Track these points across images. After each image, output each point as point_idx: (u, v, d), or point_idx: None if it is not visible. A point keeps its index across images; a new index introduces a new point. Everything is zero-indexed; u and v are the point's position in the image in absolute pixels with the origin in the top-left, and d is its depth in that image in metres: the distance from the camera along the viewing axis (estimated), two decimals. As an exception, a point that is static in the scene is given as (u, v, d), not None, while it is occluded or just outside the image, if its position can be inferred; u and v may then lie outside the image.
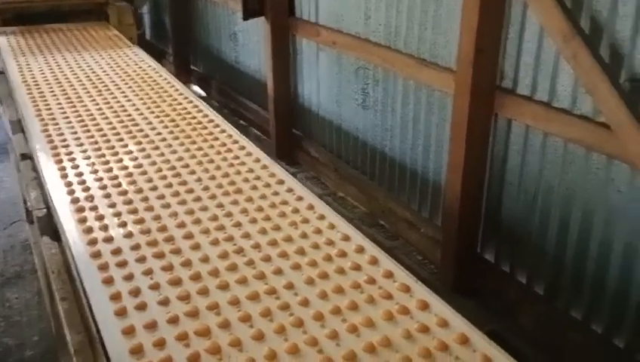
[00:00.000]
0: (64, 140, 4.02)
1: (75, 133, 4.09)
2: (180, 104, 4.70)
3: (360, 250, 2.88)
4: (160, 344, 2.24)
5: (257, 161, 3.85)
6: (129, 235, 2.93)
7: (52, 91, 4.85)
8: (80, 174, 3.56)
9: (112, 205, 3.21)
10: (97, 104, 4.61)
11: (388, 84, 4.44)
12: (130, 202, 3.24)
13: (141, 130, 4.15)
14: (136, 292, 2.52)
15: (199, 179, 3.57)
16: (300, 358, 2.19)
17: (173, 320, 2.37)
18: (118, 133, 4.13)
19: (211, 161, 3.81)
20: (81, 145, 3.92)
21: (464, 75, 3.40)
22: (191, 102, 4.77)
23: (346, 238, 2.98)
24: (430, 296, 2.57)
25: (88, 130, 4.14)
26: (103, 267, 2.69)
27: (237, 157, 3.88)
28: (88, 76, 5.22)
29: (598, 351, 3.07)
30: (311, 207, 3.29)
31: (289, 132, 5.90)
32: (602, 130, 2.80)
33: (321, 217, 3.19)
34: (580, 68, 2.82)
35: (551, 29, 3.00)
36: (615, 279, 2.97)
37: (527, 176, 3.37)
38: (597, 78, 2.71)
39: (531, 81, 3.23)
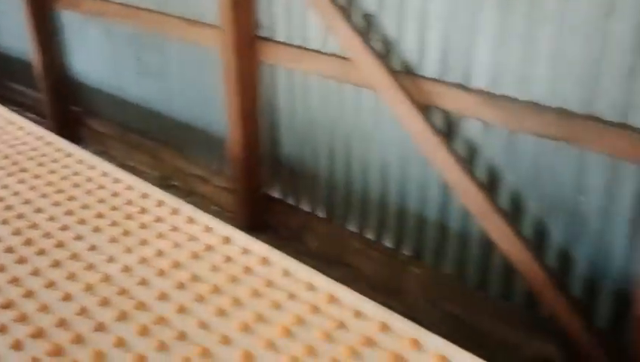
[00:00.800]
0: None
1: None
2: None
3: (160, 203, 3.01)
4: (-42, 323, 2.22)
5: (40, 138, 3.78)
6: None
7: None
8: None
9: None
10: None
11: (161, 47, 4.54)
12: None
13: None
14: None
15: (-26, 165, 3.42)
16: (111, 307, 2.30)
17: (-31, 299, 2.34)
18: None
19: (-16, 146, 3.65)
20: None
21: (227, 29, 3.64)
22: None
23: (145, 196, 3.09)
24: (231, 231, 2.80)
25: None
26: None
27: (17, 138, 3.77)
28: None
29: (372, 253, 3.59)
30: (105, 174, 3.34)
31: (66, 110, 5.72)
32: (347, 63, 3.24)
33: (117, 181, 3.25)
34: (321, 11, 3.22)
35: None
36: (376, 191, 3.48)
37: (295, 114, 3.75)
38: (335, 19, 3.13)
39: (286, 28, 3.58)
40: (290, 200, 4.05)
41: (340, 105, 3.47)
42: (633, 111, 2.43)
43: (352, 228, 3.71)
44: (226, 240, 2.72)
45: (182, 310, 2.29)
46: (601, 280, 2.75)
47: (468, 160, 2.97)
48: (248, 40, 3.66)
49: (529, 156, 2.79)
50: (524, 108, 2.70)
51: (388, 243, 3.55)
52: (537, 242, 2.88)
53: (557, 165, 2.71)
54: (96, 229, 2.82)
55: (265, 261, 2.57)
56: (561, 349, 2.89)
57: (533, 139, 2.74)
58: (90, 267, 2.56)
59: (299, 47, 3.54)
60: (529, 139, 2.76)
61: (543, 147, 2.73)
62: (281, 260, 2.57)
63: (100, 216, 2.93)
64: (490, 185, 2.94)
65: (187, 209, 2.99)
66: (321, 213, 3.88)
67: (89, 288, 2.42)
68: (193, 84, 4.38)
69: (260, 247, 2.66)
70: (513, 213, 2.91)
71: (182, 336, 2.13)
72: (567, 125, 2.57)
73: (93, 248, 2.69)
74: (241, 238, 2.74)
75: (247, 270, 2.51)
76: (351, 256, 3.70)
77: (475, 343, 2.18)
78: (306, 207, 3.96)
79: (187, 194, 4.62)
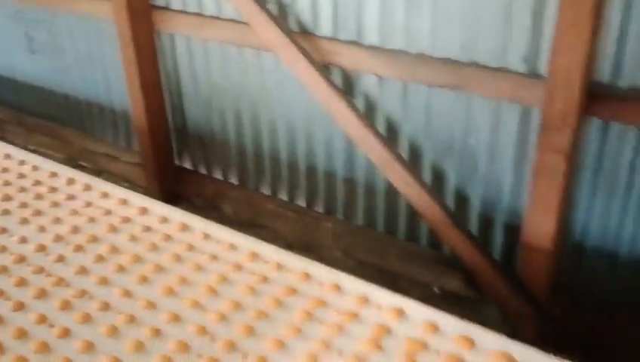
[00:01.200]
0: None
1: None
2: None
3: (71, 181, 2.98)
4: None
5: None
6: None
7: None
8: None
9: None
10: None
11: (51, 23, 4.38)
12: None
13: None
14: None
15: None
16: (29, 286, 2.30)
17: None
18: None
19: None
20: None
21: None
22: None
23: (54, 175, 3.04)
24: (147, 202, 2.81)
25: None
26: None
27: None
28: None
29: (287, 213, 3.71)
30: (8, 157, 3.26)
31: (-45, 97, 5.44)
32: (245, 27, 3.28)
33: (22, 162, 3.18)
34: (214, -23, 3.25)
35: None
36: (285, 153, 3.58)
37: (199, 82, 3.77)
38: (229, -16, 3.17)
39: (180, -5, 3.58)
40: (202, 170, 4.08)
41: (242, 70, 3.52)
42: (509, 55, 2.64)
43: (265, 191, 3.81)
44: (143, 210, 2.73)
45: (104, 282, 2.31)
46: (494, 215, 3.00)
47: (367, 114, 3.12)
48: (143, 9, 3.62)
49: (422, 106, 2.97)
50: (414, 60, 2.86)
51: (300, 202, 3.68)
52: (436, 186, 3.09)
53: (448, 112, 2.91)
54: (5, 212, 2.77)
55: (184, 227, 2.61)
56: (467, 283, 3.14)
57: (425, 89, 2.91)
58: (3, 249, 2.53)
59: (195, 14, 3.54)
60: (421, 90, 2.93)
61: (434, 96, 2.91)
62: (200, 224, 2.62)
63: (7, 198, 2.87)
64: (390, 136, 3.11)
65: (100, 184, 2.97)
66: (233, 180, 3.95)
67: (3, 270, 2.40)
68: (90, 59, 4.28)
69: (178, 214, 2.70)
70: (412, 161, 3.09)
71: (106, 306, 2.17)
72: (452, 73, 2.75)
73: (3, 231, 2.65)
74: (159, 208, 2.75)
75: (167, 237, 2.55)
76: (266, 219, 3.81)
77: (388, 285, 2.33)
78: (218, 175, 4.01)
79: (97, 173, 4.54)
